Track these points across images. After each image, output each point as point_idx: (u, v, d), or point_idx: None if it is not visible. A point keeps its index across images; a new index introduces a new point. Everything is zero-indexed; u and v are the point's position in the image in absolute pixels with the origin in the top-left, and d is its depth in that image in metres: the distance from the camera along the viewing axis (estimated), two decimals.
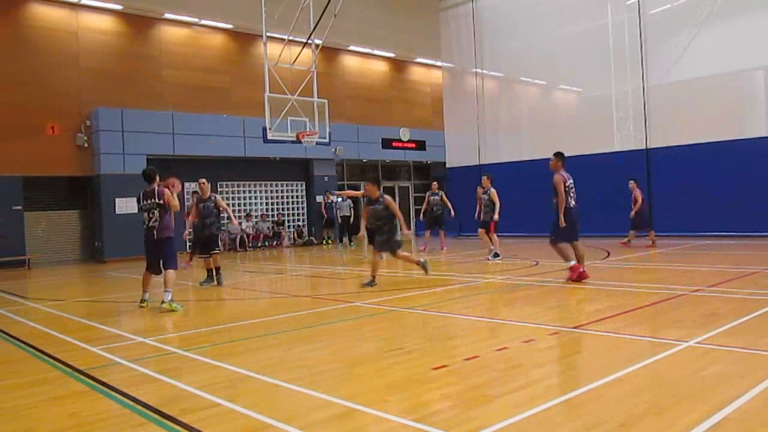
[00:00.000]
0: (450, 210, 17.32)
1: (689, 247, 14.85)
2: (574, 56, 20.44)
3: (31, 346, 6.68)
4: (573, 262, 9.54)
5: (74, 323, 8.35)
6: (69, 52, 20.24)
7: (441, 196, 16.82)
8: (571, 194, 9.65)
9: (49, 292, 12.18)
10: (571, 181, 9.66)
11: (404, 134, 27.21)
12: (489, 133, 23.54)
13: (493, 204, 13.71)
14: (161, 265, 9.17)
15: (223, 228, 13.52)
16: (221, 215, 12.08)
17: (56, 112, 19.70)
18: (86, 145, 20.15)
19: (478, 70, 23.72)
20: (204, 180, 12.11)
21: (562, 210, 9.49)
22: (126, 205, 19.90)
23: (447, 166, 25.34)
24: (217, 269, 11.60)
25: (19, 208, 18.66)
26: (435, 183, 17.55)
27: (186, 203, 17.98)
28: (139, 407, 4.32)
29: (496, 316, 7.36)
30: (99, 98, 20.28)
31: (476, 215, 14.29)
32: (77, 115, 20.11)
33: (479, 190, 14.30)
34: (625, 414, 3.73)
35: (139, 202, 9.27)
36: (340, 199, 22.89)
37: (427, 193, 17.23)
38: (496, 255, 13.83)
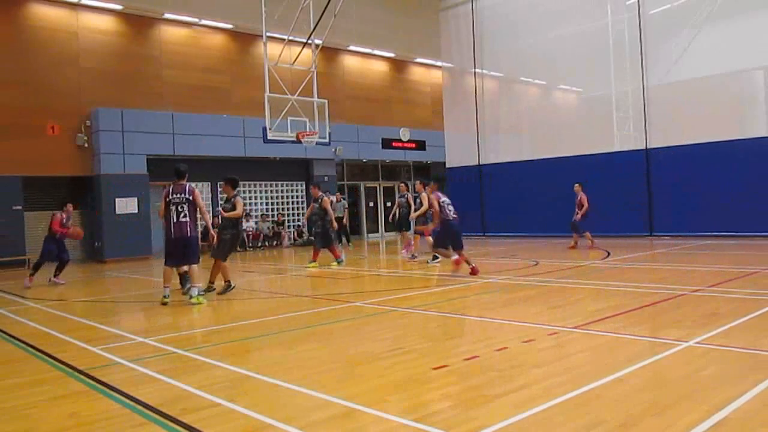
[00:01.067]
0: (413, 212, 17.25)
1: (689, 247, 14.86)
2: (573, 56, 20.44)
3: (31, 346, 6.68)
4: (455, 257, 11.44)
5: (74, 323, 8.36)
6: (69, 52, 20.24)
7: (407, 198, 16.74)
8: (449, 209, 11.45)
9: (49, 292, 12.18)
10: (445, 199, 11.63)
11: (404, 134, 27.20)
12: (489, 133, 23.55)
13: (409, 207, 15.17)
14: (184, 260, 9.38)
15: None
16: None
17: (56, 112, 19.70)
18: (86, 145, 20.15)
19: (478, 70, 23.73)
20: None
21: (437, 220, 11.65)
22: (126, 206, 19.91)
23: (447, 166, 25.35)
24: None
25: (20, 208, 18.65)
26: (402, 185, 17.41)
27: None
28: (140, 407, 4.32)
29: (496, 316, 7.36)
30: (99, 98, 20.28)
31: (390, 217, 15.44)
32: (77, 115, 20.10)
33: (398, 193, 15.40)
34: (625, 414, 3.73)
35: (167, 196, 9.31)
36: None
37: (397, 196, 17.20)
38: (413, 257, 14.60)
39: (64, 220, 13.16)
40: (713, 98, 17.29)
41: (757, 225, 16.22)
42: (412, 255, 14.72)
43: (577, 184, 15.79)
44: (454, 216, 11.46)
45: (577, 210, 15.57)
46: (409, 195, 16.69)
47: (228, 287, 10.42)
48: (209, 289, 10.43)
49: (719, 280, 8.95)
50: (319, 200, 13.93)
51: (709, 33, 17.41)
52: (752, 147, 16.55)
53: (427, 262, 13.71)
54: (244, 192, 23.90)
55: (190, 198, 9.23)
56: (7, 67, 18.94)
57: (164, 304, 9.32)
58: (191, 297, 9.24)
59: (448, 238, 11.49)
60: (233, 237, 10.64)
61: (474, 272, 11.02)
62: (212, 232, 10.27)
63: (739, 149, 16.78)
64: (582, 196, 15.65)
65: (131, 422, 4.06)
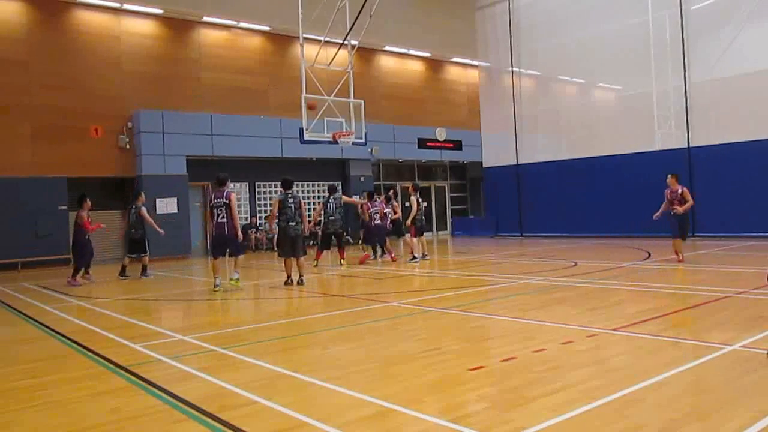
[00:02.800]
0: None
1: (733, 248, 14.48)
2: (613, 53, 20.08)
3: (75, 343, 6.85)
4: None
5: (117, 320, 8.55)
6: (111, 56, 20.73)
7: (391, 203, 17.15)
8: (375, 216, 15.29)
9: (94, 290, 12.49)
10: (375, 208, 15.29)
11: (440, 134, 27.09)
12: (526, 133, 23.31)
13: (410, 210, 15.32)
14: (228, 253, 11.44)
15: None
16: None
17: (99, 115, 20.19)
18: (128, 146, 20.60)
19: (515, 69, 23.50)
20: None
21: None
22: (167, 206, 20.28)
23: (483, 165, 25.19)
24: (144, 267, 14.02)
25: (65, 208, 19.16)
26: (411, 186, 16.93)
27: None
28: (179, 403, 4.40)
29: (534, 317, 7.28)
30: (140, 100, 20.73)
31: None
32: (119, 117, 20.57)
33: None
34: (665, 419, 3.66)
35: (210, 201, 11.09)
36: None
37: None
38: (414, 258, 14.90)
39: (89, 217, 13.63)
40: (757, 95, 16.79)
41: None
42: (414, 257, 15.10)
43: (671, 176, 12.94)
44: (377, 222, 15.34)
45: (675, 207, 12.49)
46: (414, 198, 15.82)
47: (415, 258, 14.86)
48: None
49: (765, 283, 8.69)
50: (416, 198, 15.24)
51: (752, 29, 16.94)
52: None
53: (406, 261, 14.83)
54: (276, 192, 24.10)
55: (227, 202, 10.85)
56: (53, 71, 19.50)
57: (215, 291, 10.77)
58: (231, 280, 11.13)
59: (373, 238, 15.67)
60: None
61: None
62: (239, 234, 11.09)
63: None
64: (683, 190, 12.84)
65: (171, 418, 4.14)
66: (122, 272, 14.24)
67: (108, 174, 20.46)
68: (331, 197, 15.19)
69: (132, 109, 20.61)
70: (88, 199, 13.69)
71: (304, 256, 11.73)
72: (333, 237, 15.14)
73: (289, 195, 11.46)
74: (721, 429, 3.46)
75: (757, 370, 4.61)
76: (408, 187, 15.67)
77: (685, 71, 18.40)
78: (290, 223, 11.28)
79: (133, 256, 14.42)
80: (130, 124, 20.69)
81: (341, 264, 14.59)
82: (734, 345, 5.27)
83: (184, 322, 8.68)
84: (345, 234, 16.87)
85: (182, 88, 21.96)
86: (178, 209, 20.57)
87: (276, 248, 14.05)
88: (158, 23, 21.77)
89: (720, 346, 5.26)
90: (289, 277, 11.41)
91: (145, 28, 21.52)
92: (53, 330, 7.76)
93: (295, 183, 23.94)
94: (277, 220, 11.46)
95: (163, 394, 4.64)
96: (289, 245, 11.31)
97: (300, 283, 11.26)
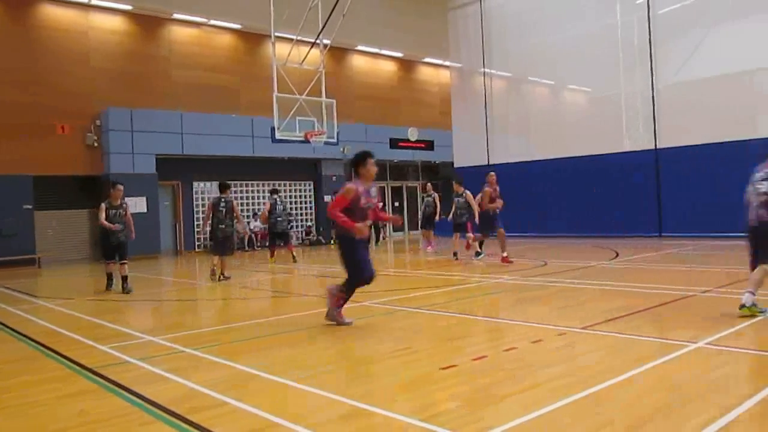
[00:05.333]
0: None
1: (698, 248, 14.77)
2: (582, 56, 20.34)
3: (41, 345, 6.72)
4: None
5: (83, 321, 8.40)
6: (79, 52, 20.36)
7: (434, 198, 17.23)
8: (278, 219, 15.93)
9: (59, 290, 12.25)
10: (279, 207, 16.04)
11: (412, 134, 27.16)
12: (497, 133, 23.49)
13: (468, 205, 14.47)
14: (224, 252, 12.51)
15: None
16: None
17: (66, 112, 19.82)
18: (96, 144, 20.26)
19: (487, 70, 23.68)
20: (121, 186, 11.82)
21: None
22: (136, 205, 19.95)
23: (455, 165, 25.31)
24: (125, 277, 11.26)
25: (30, 207, 18.76)
26: (429, 184, 17.91)
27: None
28: (148, 405, 4.33)
29: (504, 316, 7.34)
30: (109, 98, 20.39)
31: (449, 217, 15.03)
32: (87, 115, 20.22)
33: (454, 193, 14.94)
34: (634, 415, 3.71)
35: (216, 205, 12.32)
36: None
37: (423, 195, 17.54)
38: (478, 254, 14.41)
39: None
40: (723, 98, 17.14)
41: None
42: (454, 253, 14.66)
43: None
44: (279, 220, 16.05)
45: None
46: (436, 195, 17.24)
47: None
48: None
49: (729, 281, 8.88)
50: (463, 194, 14.60)
51: (718, 33, 17.28)
52: (764, 147, 16.38)
53: (471, 259, 14.15)
54: (252, 191, 23.97)
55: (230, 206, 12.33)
56: (17, 67, 19.08)
57: (215, 280, 12.26)
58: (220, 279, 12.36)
59: (275, 238, 16.44)
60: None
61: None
62: (246, 233, 12.26)
63: (751, 149, 16.61)
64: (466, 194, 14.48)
65: (140, 420, 4.08)
66: (113, 283, 11.75)
67: (75, 172, 20.09)
68: (278, 199, 16.24)
69: (100, 107, 20.27)
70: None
71: (231, 255, 13.25)
72: (279, 236, 16.43)
73: (222, 199, 12.43)
74: (688, 424, 3.53)
75: (722, 367, 4.71)
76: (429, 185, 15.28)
77: (652, 74, 18.71)
78: (220, 225, 12.35)
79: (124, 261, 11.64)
80: (98, 122, 20.35)
81: (293, 260, 16.00)
82: (699, 342, 5.38)
83: (154, 322, 8.56)
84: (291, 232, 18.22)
85: (152, 86, 21.66)
86: (147, 209, 20.28)
87: (208, 247, 15.33)
88: (127, 19, 21.45)
89: (686, 344, 5.36)
90: (213, 271, 12.53)
91: (114, 24, 21.18)
92: (18, 332, 7.59)
93: (265, 183, 24.24)
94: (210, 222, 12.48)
95: (132, 396, 4.56)
96: (219, 245, 12.41)
97: (223, 278, 12.41)
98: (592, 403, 3.99)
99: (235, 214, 12.51)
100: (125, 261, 11.43)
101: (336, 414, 4.03)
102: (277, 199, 16.29)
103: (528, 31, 21.98)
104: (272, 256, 16.30)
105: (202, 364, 5.62)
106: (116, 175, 19.64)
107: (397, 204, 28.93)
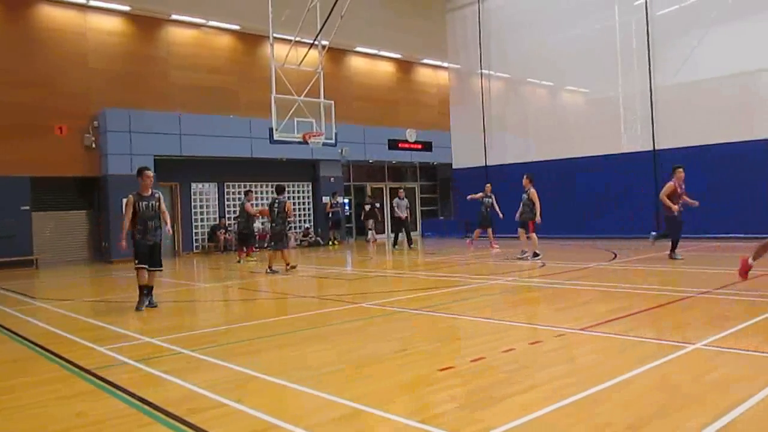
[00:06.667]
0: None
1: (697, 249, 14.78)
2: (581, 57, 20.36)
3: (39, 346, 6.70)
4: None
5: (82, 323, 8.38)
6: (77, 53, 20.34)
7: (492, 199, 17.44)
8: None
9: (57, 292, 12.23)
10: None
11: (410, 135, 27.16)
12: (495, 135, 23.50)
13: (532, 203, 13.78)
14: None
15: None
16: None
17: (64, 113, 19.78)
18: (94, 145, 20.23)
19: (485, 71, 23.68)
20: (150, 172, 9.34)
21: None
22: None
23: (453, 167, 25.33)
24: (150, 288, 9.28)
25: (27, 208, 18.74)
26: (488, 185, 18.01)
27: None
28: (146, 407, 4.33)
29: (503, 317, 7.34)
30: (107, 99, 20.36)
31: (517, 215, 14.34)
32: (85, 116, 20.18)
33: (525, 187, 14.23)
34: (632, 416, 3.71)
35: (271, 205, 14.06)
36: (344, 201, 23.38)
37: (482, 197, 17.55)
38: (535, 255, 13.71)
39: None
40: (721, 99, 17.17)
41: (765, 227, 16.08)
42: (534, 253, 13.91)
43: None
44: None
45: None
46: (493, 196, 17.47)
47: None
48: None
49: (727, 282, 8.89)
50: (527, 191, 13.97)
51: (716, 34, 17.30)
52: (762, 148, 16.43)
53: (526, 259, 13.72)
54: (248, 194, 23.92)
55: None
56: (15, 68, 19.05)
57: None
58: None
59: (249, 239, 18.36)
60: None
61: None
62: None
63: (749, 151, 16.67)
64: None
65: (138, 422, 4.07)
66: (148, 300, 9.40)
67: (73, 174, 20.06)
68: (277, 201, 15.80)
69: (98, 108, 20.24)
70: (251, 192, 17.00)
71: (285, 249, 14.34)
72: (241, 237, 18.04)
73: (276, 200, 13.87)
74: (687, 425, 3.53)
75: (721, 368, 4.71)
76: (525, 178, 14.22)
77: (650, 75, 18.72)
78: (273, 224, 13.95)
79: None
80: (96, 123, 20.32)
81: (238, 260, 17.43)
82: (698, 343, 5.38)
83: (151, 324, 8.55)
84: (252, 234, 19.02)
85: (150, 87, 21.64)
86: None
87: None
88: (126, 20, 21.43)
89: (685, 345, 5.36)
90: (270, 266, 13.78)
91: (112, 25, 21.16)
92: (16, 333, 7.58)
93: (264, 183, 24.19)
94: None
95: (130, 398, 4.56)
96: (273, 240, 14.00)
97: (270, 271, 13.61)
98: (590, 405, 3.98)
99: (287, 213, 13.92)
100: (160, 268, 9.33)
101: (335, 415, 4.03)
102: (276, 201, 15.10)
103: (526, 32, 22.00)
104: (249, 254, 17.90)
105: (200, 365, 5.61)
106: (114, 176, 19.68)
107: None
